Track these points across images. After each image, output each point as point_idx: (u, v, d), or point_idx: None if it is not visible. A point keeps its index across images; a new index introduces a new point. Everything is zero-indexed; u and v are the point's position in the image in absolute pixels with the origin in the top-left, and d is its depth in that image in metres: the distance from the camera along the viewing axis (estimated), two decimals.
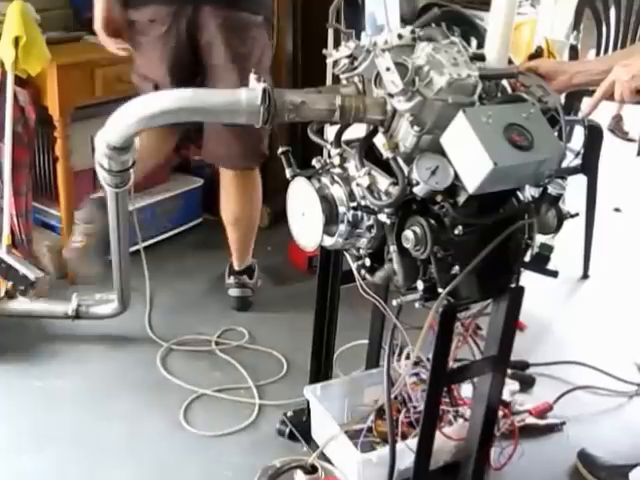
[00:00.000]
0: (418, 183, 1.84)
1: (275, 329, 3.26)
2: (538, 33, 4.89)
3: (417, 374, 2.51)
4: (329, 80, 3.87)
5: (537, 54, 4.27)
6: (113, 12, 3.01)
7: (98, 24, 2.99)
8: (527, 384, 2.99)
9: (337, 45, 3.95)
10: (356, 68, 1.99)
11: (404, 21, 3.99)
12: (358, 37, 3.45)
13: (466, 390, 2.48)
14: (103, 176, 2.27)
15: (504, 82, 2.05)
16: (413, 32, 2.00)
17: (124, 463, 2.56)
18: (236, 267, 3.44)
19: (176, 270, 3.61)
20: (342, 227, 1.99)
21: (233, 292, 3.42)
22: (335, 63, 2.05)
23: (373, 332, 2.65)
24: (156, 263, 3.49)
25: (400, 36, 1.98)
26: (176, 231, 3.93)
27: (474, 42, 2.18)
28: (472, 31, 2.20)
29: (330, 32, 3.63)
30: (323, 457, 2.43)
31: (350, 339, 2.94)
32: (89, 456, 2.58)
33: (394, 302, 1.97)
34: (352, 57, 2.00)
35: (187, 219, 3.99)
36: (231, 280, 3.44)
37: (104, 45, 3.04)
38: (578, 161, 3.40)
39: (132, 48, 3.04)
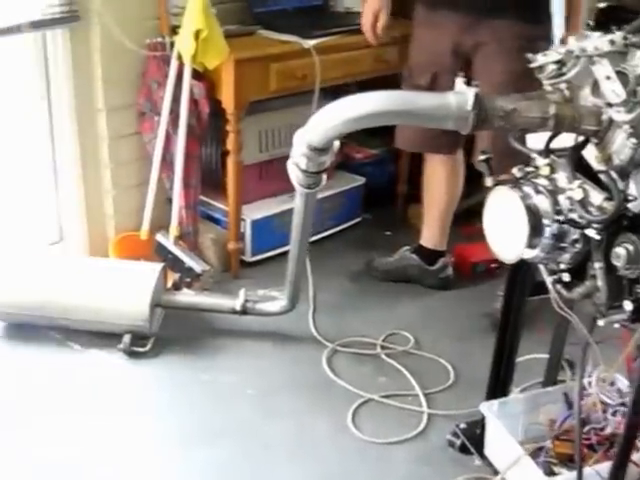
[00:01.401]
0: (635, 199, 1.74)
1: (440, 335, 3.19)
2: None
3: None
4: None
5: None
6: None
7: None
8: None
9: None
10: (563, 74, 1.90)
11: None
12: None
13: None
14: (297, 175, 2.23)
15: None
16: (625, 38, 1.90)
17: (289, 463, 2.54)
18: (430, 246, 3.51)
19: (338, 269, 3.57)
20: (545, 240, 1.90)
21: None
22: (540, 68, 1.96)
23: (554, 348, 2.54)
24: (317, 261, 3.47)
25: (612, 42, 1.87)
26: (337, 229, 3.90)
27: None
28: None
29: None
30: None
31: (525, 352, 2.84)
32: (254, 453, 2.57)
33: (600, 322, 1.88)
34: (560, 62, 1.91)
35: (348, 217, 3.95)
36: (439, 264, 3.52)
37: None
38: None
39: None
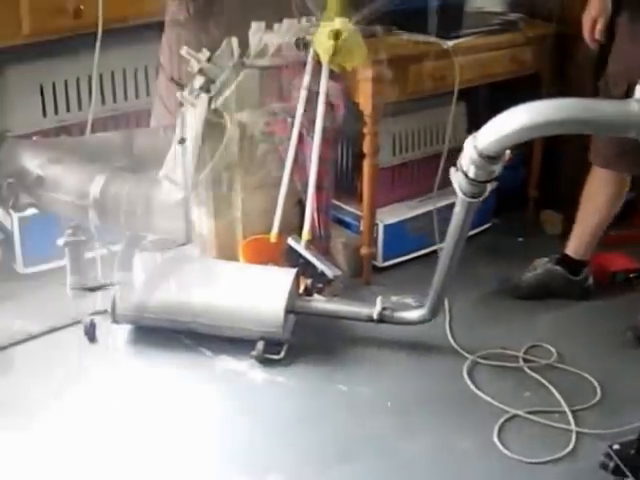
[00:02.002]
0: None
1: (582, 348, 3.05)
2: None
3: None
4: None
5: None
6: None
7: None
8: None
9: None
10: None
11: None
12: None
13: None
14: (459, 182, 2.14)
15: None
16: None
17: None
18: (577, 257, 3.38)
19: (470, 277, 3.44)
20: None
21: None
22: None
23: None
24: None
25: None
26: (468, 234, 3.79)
27: None
28: None
29: None
30: None
31: None
32: (391, 472, 2.47)
33: None
34: None
35: (478, 222, 3.82)
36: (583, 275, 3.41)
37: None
38: None
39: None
